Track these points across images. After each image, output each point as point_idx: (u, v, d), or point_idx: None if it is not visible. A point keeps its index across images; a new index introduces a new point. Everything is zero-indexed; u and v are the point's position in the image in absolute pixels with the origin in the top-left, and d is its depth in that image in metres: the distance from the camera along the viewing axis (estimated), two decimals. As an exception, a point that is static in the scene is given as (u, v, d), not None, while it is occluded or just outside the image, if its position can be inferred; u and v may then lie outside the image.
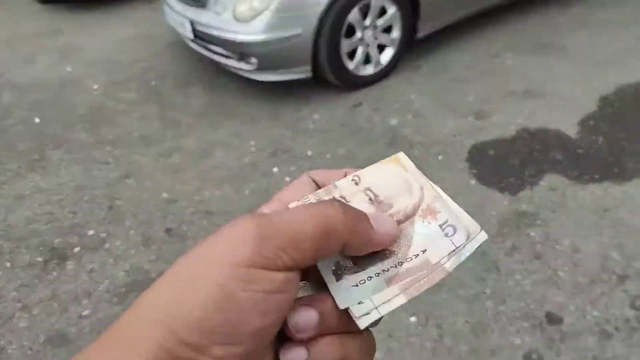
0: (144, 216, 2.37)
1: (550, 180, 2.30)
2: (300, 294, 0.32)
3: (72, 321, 1.89)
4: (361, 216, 0.31)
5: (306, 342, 0.30)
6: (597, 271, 1.87)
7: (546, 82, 2.93)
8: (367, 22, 3.03)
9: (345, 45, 2.98)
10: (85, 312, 1.92)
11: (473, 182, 2.34)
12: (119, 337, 0.26)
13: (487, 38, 3.53)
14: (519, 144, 2.54)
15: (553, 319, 1.73)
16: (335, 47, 2.93)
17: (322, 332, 0.30)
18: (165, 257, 2.13)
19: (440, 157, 2.51)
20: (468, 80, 3.08)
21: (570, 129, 2.58)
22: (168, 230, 2.27)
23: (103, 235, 2.28)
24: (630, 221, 2.05)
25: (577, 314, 1.73)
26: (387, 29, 3.16)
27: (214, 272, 0.26)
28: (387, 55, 3.19)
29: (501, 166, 2.42)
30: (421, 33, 3.27)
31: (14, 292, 2.02)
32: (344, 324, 0.31)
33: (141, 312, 0.27)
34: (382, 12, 3.08)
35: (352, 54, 3.07)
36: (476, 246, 0.33)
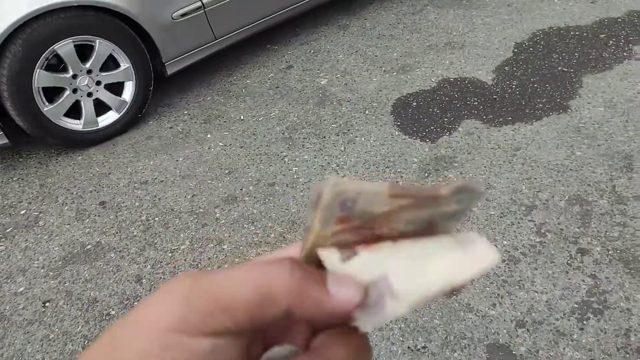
0: (77, 191, 2.36)
1: (467, 125, 2.43)
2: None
3: (6, 298, 1.90)
4: (313, 279, 0.27)
5: None
6: (508, 204, 2.02)
7: (466, 34, 3.05)
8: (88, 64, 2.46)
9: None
10: (20, 289, 1.94)
11: (397, 132, 2.45)
12: None
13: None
14: (439, 94, 2.66)
15: (467, 250, 1.87)
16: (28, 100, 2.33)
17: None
18: (101, 228, 2.15)
19: (366, 112, 2.60)
20: (393, 37, 3.16)
21: (487, 76, 2.71)
22: (102, 203, 2.28)
23: (36, 213, 2.27)
24: (538, 156, 2.21)
25: (489, 244, 1.88)
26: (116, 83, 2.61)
27: (140, 337, 0.25)
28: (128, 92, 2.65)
29: (423, 116, 2.53)
30: (170, 69, 2.72)
31: (-55, 276, 2.00)
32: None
33: None
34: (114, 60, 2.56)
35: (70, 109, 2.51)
36: None
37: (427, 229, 0.31)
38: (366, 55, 3.03)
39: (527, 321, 1.64)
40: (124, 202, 2.27)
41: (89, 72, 2.49)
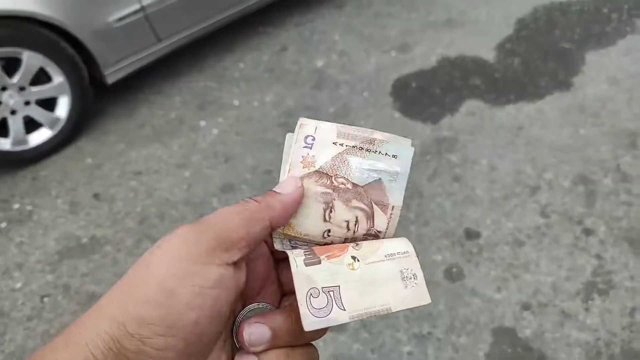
0: (70, 184, 2.31)
1: (469, 105, 2.38)
2: (255, 312, 0.37)
3: (4, 295, 1.86)
4: (270, 193, 0.37)
5: (258, 353, 0.34)
6: (512, 185, 1.98)
7: (466, 10, 2.97)
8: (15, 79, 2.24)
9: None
10: (18, 285, 1.90)
11: (397, 115, 2.39)
12: (78, 330, 0.30)
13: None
14: (440, 74, 2.59)
15: (471, 235, 1.84)
16: None
17: (272, 346, 0.34)
18: (96, 221, 2.11)
19: (365, 94, 2.54)
20: (391, 15, 3.07)
21: (489, 53, 2.64)
22: (96, 196, 2.23)
23: (29, 207, 2.22)
24: (542, 136, 2.16)
25: (493, 228, 1.85)
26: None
27: (156, 274, 0.30)
28: (63, 108, 2.43)
29: (423, 97, 2.47)
30: (111, 78, 2.51)
31: (-61, 274, 1.96)
32: (293, 339, 0.35)
33: (97, 310, 0.31)
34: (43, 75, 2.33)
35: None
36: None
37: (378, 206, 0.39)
38: (363, 35, 2.95)
39: (532, 304, 1.61)
40: (118, 194, 2.22)
41: (22, 88, 2.27)
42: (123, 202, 2.17)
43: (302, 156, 0.39)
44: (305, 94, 2.59)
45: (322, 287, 0.34)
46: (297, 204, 0.38)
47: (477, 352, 1.52)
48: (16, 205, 2.23)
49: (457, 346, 1.54)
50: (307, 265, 0.35)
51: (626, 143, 2.07)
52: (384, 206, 0.38)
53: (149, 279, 0.30)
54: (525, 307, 1.61)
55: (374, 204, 0.39)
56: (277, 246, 0.38)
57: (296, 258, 0.35)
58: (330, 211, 0.38)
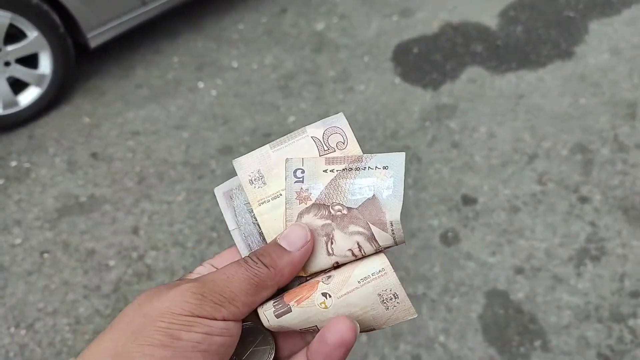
0: (67, 143, 2.30)
1: (470, 72, 2.36)
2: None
3: (4, 250, 1.88)
4: (278, 251, 0.36)
5: None
6: (510, 153, 1.99)
7: (470, -25, 2.91)
8: None
9: None
10: (17, 241, 1.91)
11: (397, 80, 2.37)
12: None
13: None
14: (441, 40, 2.56)
15: (468, 200, 1.86)
16: None
17: None
18: (94, 180, 2.11)
19: (365, 59, 2.51)
20: (393, -23, 3.01)
21: (491, 20, 2.61)
22: (94, 155, 2.22)
23: (27, 165, 2.21)
24: (542, 104, 2.16)
25: (490, 194, 1.87)
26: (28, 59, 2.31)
27: (158, 322, 0.30)
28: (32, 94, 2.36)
29: (424, 63, 2.45)
30: (94, 41, 2.42)
31: (-62, 229, 1.97)
32: None
33: (99, 347, 0.30)
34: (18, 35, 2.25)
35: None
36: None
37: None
38: (364, -2, 2.89)
39: (525, 268, 1.65)
40: (116, 153, 2.21)
41: None
42: (121, 162, 2.17)
43: (296, 192, 0.37)
44: (305, 57, 2.56)
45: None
46: (306, 259, 0.36)
47: (470, 313, 1.56)
48: (14, 163, 2.22)
49: (450, 307, 1.58)
50: (278, 317, 0.35)
51: (625, 113, 2.08)
52: (382, 224, 0.36)
53: (152, 326, 0.30)
54: (519, 271, 1.65)
55: (371, 225, 0.36)
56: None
57: (265, 313, 0.35)
58: (331, 243, 0.37)
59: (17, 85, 2.35)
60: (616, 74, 2.24)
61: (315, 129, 0.40)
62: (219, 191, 0.40)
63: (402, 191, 0.37)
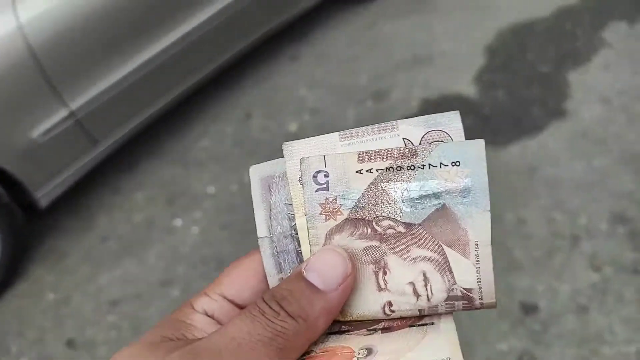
0: (33, 333, 1.87)
1: (472, 152, 2.20)
2: None
3: None
4: (307, 290, 0.26)
5: None
6: (549, 239, 1.81)
7: (430, 43, 2.82)
8: None
9: None
10: None
11: (398, 175, 2.17)
12: None
13: (357, 10, 3.30)
14: (428, 120, 2.41)
15: (528, 309, 1.64)
16: None
17: None
18: None
19: (355, 156, 2.30)
20: (353, 59, 2.87)
21: (468, 88, 2.50)
22: (70, 343, 1.82)
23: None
24: (557, 174, 2.03)
25: (549, 295, 1.66)
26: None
27: None
28: None
29: (419, 149, 2.28)
30: (44, 200, 2.05)
31: None
32: None
33: None
34: None
35: None
36: None
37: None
38: (331, 85, 2.71)
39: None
40: (97, 335, 1.82)
41: None
42: (107, 346, 1.77)
43: (320, 203, 0.28)
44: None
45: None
46: (344, 301, 0.27)
47: None
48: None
49: None
50: None
51: (643, 167, 1.98)
52: (462, 245, 0.27)
53: None
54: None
55: (444, 247, 0.27)
56: None
57: None
58: (384, 273, 0.28)
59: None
60: (616, 126, 2.16)
61: (413, 128, 0.28)
62: (255, 174, 0.31)
63: (488, 198, 0.26)
